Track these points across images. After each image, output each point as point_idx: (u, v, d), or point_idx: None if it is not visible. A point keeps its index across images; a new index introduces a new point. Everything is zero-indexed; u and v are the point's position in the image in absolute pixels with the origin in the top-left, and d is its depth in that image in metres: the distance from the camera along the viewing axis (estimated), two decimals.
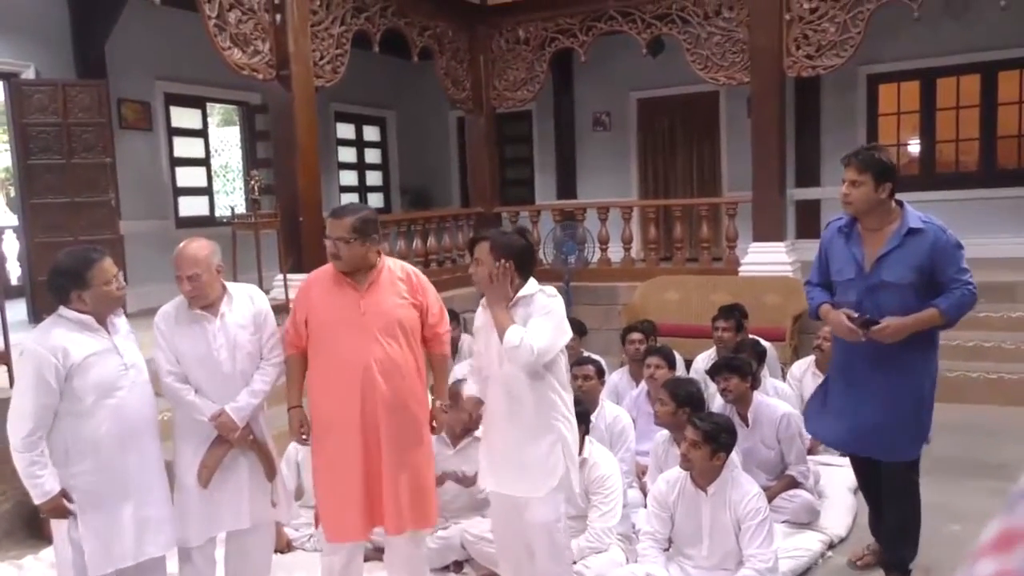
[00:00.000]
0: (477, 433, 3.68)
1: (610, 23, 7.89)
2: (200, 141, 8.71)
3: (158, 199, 8.03)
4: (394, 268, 3.07)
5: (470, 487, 3.65)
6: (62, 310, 2.76)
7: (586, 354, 4.72)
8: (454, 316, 4.92)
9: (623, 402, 4.81)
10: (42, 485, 2.66)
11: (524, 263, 2.82)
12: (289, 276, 6.26)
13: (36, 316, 6.24)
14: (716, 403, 4.18)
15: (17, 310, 6.25)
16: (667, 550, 3.38)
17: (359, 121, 11.03)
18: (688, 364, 5.40)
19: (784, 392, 4.81)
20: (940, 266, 3.05)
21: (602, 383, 4.49)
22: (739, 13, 7.29)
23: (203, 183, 8.76)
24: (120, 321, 2.90)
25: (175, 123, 8.30)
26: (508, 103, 8.70)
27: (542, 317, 2.74)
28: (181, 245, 2.98)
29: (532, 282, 2.85)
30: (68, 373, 2.67)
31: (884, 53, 8.49)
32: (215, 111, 10.89)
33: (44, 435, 2.68)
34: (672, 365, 4.63)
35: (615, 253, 8.18)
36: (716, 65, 7.47)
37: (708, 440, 3.13)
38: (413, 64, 8.22)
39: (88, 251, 2.85)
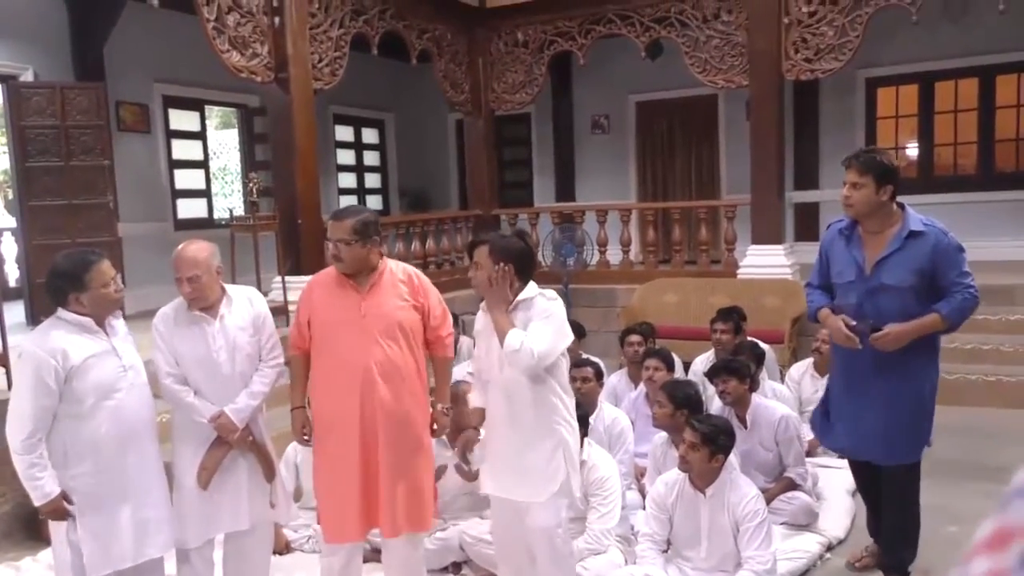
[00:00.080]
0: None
1: (609, 26, 7.91)
2: (198, 143, 8.71)
3: (156, 201, 8.03)
4: (396, 270, 3.07)
5: (472, 481, 3.63)
6: (61, 312, 2.76)
7: (585, 356, 4.72)
8: (453, 318, 4.91)
9: (622, 404, 4.81)
10: (42, 487, 2.66)
11: (524, 266, 2.81)
12: (287, 278, 6.27)
13: (34, 318, 6.24)
14: (715, 405, 4.18)
15: (15, 312, 6.25)
16: (666, 552, 3.37)
17: (358, 123, 11.04)
18: (687, 366, 5.41)
19: (782, 394, 4.82)
20: (941, 269, 3.03)
21: (601, 385, 4.49)
22: (738, 16, 7.30)
23: (201, 185, 8.76)
24: (118, 323, 2.90)
25: (173, 125, 8.30)
26: (507, 106, 8.71)
27: (542, 321, 2.73)
28: (180, 247, 2.98)
29: (532, 285, 2.83)
30: (67, 375, 2.67)
31: (882, 57, 8.50)
32: (213, 113, 10.88)
33: (43, 437, 2.67)
34: (671, 367, 4.63)
35: (614, 255, 8.18)
36: (715, 68, 7.48)
37: (706, 442, 3.13)
38: (412, 67, 8.22)
39: (86, 253, 2.85)
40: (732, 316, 5.18)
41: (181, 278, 2.90)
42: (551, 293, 2.85)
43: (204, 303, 2.96)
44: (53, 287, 2.77)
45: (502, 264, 2.74)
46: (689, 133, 10.13)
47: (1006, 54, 8.24)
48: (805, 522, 3.86)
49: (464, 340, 5.64)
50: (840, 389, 3.31)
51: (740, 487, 3.22)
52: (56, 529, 2.75)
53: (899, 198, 3.15)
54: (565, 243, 7.55)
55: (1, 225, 8.92)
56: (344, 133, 10.84)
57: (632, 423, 4.39)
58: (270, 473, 3.09)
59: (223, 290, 3.03)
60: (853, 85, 9.01)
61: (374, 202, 11.11)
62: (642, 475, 4.18)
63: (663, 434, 3.92)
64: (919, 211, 3.19)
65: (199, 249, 2.96)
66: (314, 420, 3.04)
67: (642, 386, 4.75)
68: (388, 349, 2.94)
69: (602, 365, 4.64)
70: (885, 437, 3.12)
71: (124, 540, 2.77)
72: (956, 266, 3.04)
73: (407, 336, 2.99)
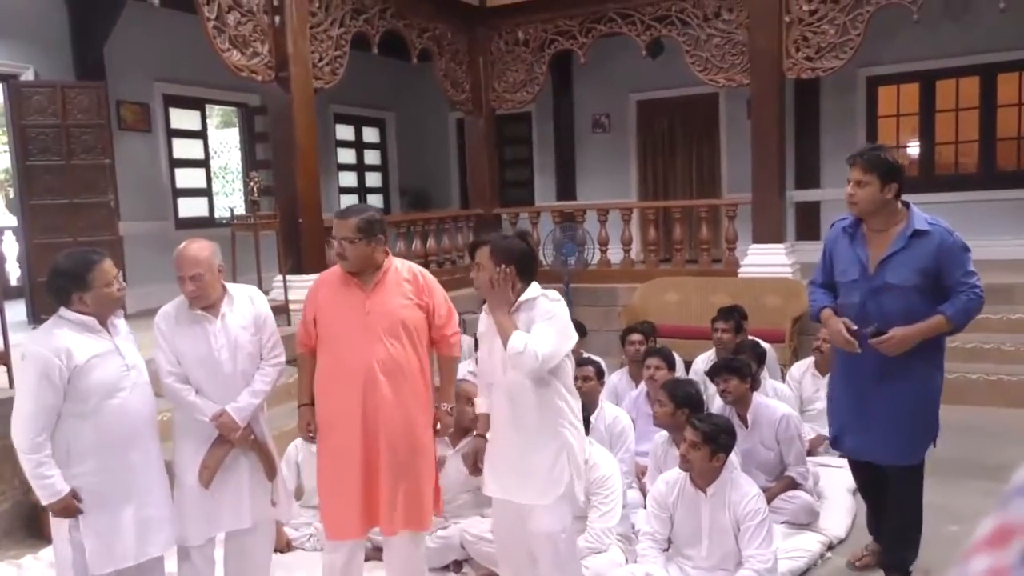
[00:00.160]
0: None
1: (610, 25, 7.90)
2: (199, 142, 8.71)
3: (157, 200, 8.03)
4: (401, 269, 3.06)
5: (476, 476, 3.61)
6: (63, 311, 2.76)
7: (586, 355, 4.72)
8: None
9: (622, 403, 4.81)
10: (52, 485, 2.66)
11: (526, 267, 2.78)
12: (288, 277, 6.27)
13: (35, 317, 6.25)
14: (715, 404, 4.18)
15: (16, 311, 6.25)
16: (666, 550, 3.37)
17: (358, 123, 11.04)
18: (688, 365, 5.41)
19: (783, 393, 4.81)
20: (946, 269, 3.00)
21: (601, 384, 4.50)
22: (739, 15, 7.30)
23: (202, 184, 8.77)
24: (120, 322, 2.91)
25: (174, 124, 8.30)
26: (507, 105, 8.71)
27: (546, 322, 2.69)
28: (182, 246, 2.98)
29: (534, 286, 2.80)
30: (71, 375, 2.67)
31: (883, 55, 8.50)
32: (214, 112, 10.89)
33: (50, 436, 2.68)
34: (671, 366, 4.63)
35: (615, 254, 8.18)
36: (716, 67, 7.47)
37: (707, 441, 3.13)
38: (412, 66, 8.22)
39: (88, 253, 2.85)
40: (733, 315, 5.18)
41: (183, 277, 2.90)
42: (554, 294, 2.82)
43: (206, 302, 2.96)
44: (55, 287, 2.77)
45: (503, 266, 2.72)
46: (690, 132, 10.13)
47: (1007, 52, 8.23)
48: (806, 521, 3.86)
49: (465, 339, 5.63)
50: (842, 390, 3.29)
51: (741, 486, 3.22)
52: (58, 527, 2.75)
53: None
54: (566, 242, 7.55)
55: (2, 224, 8.94)
56: (345, 132, 10.84)
57: (633, 422, 4.39)
58: (271, 471, 3.10)
59: (224, 289, 3.03)
60: (854, 83, 9.00)
61: (375, 201, 11.10)
62: (643, 474, 4.18)
63: (664, 433, 3.92)
64: (921, 210, 3.16)
65: (201, 248, 2.96)
66: (318, 417, 3.05)
67: (643, 385, 4.75)
68: (391, 348, 2.94)
69: (603, 364, 4.65)
70: (888, 438, 3.10)
71: (126, 539, 2.77)
72: (961, 265, 3.00)
73: (411, 335, 2.99)
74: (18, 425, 2.68)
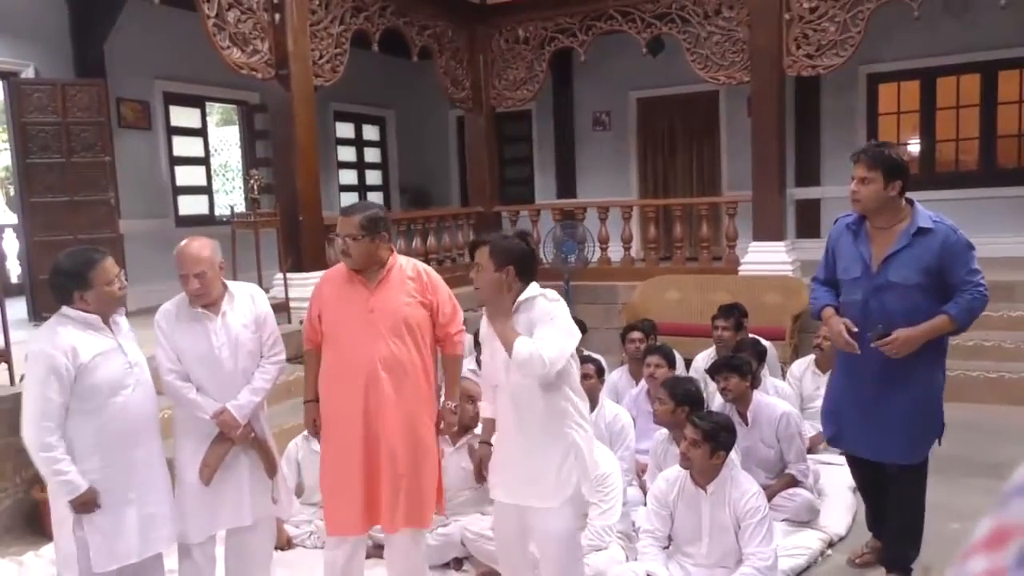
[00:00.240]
0: (477, 431, 3.68)
1: (610, 22, 7.89)
2: (199, 140, 8.70)
3: (157, 198, 8.03)
4: (405, 266, 3.06)
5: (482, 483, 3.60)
6: (65, 309, 2.76)
7: (586, 353, 4.72)
8: None
9: (623, 401, 4.82)
10: (71, 482, 2.66)
11: (525, 268, 2.74)
12: (289, 275, 6.27)
13: (36, 315, 6.25)
14: (716, 402, 4.18)
15: (17, 308, 6.25)
16: (667, 548, 3.38)
17: (358, 120, 11.03)
18: (688, 363, 5.41)
19: (784, 391, 4.81)
20: (950, 267, 2.97)
21: (602, 382, 4.49)
22: (739, 12, 7.29)
23: (202, 182, 8.76)
24: (122, 320, 2.91)
25: (174, 122, 8.30)
26: (508, 102, 8.70)
27: (547, 324, 2.65)
28: (183, 244, 2.97)
29: (533, 286, 2.77)
30: (77, 373, 2.67)
31: (884, 52, 8.49)
32: (214, 110, 10.89)
33: (62, 434, 2.67)
34: (672, 364, 4.63)
35: (615, 252, 8.18)
36: (716, 65, 7.47)
37: (707, 439, 3.13)
38: (412, 63, 8.21)
39: (89, 251, 2.85)
40: (733, 313, 5.18)
41: (188, 275, 2.90)
42: (552, 294, 2.78)
43: (208, 299, 2.96)
44: (57, 285, 2.77)
45: (501, 274, 2.69)
46: (690, 130, 10.12)
47: (1008, 50, 8.22)
48: (806, 519, 3.86)
49: (465, 336, 5.63)
50: (843, 389, 3.28)
51: (741, 484, 3.22)
52: (61, 525, 2.75)
53: None
54: (566, 240, 7.55)
55: (2, 221, 8.93)
56: (345, 130, 10.83)
57: (633, 420, 4.39)
58: (272, 469, 3.10)
59: (225, 287, 3.03)
60: (854, 81, 8.99)
61: (375, 199, 11.09)
62: (643, 472, 4.19)
63: (664, 431, 3.92)
64: (924, 207, 3.13)
65: (202, 246, 2.96)
66: (321, 413, 3.06)
67: (643, 383, 4.75)
68: (393, 346, 2.94)
69: (603, 362, 4.65)
70: (892, 438, 3.08)
71: (130, 536, 2.78)
72: (965, 264, 2.98)
73: (413, 333, 2.99)
74: (29, 425, 2.68)
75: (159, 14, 6.88)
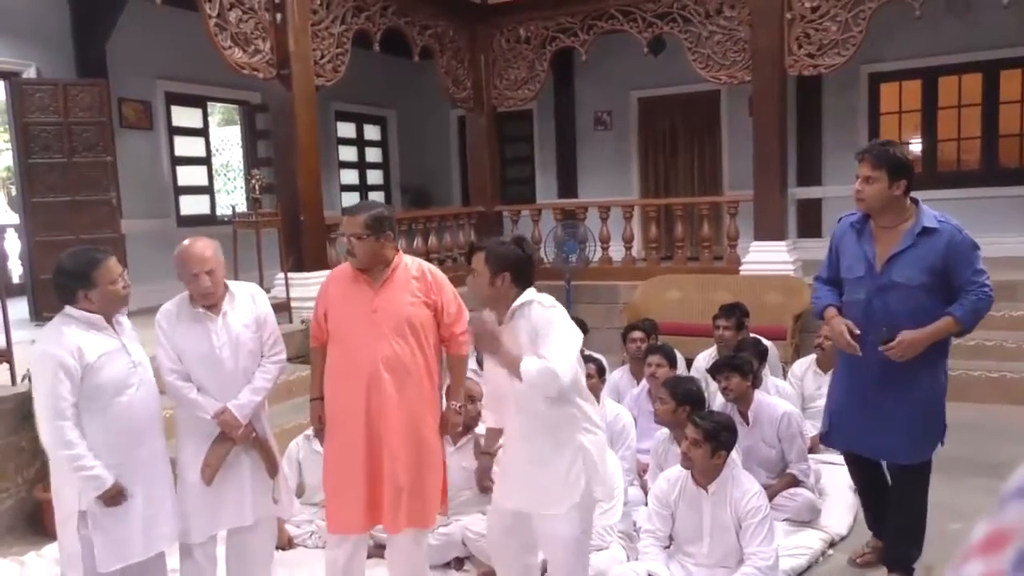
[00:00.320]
0: (478, 430, 3.68)
1: (611, 22, 7.89)
2: (201, 140, 8.71)
3: (159, 198, 8.04)
4: (410, 266, 3.06)
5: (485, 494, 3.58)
6: (69, 309, 2.76)
7: (587, 353, 4.72)
8: None
9: (624, 400, 4.82)
10: (97, 476, 2.67)
11: (521, 274, 2.72)
12: (290, 275, 6.27)
13: (37, 314, 6.25)
14: (717, 401, 4.18)
15: (19, 308, 6.25)
16: (668, 548, 3.37)
17: (360, 120, 11.03)
18: (689, 363, 5.40)
19: (785, 391, 4.81)
20: (955, 267, 2.95)
21: (603, 382, 4.50)
22: (740, 12, 7.29)
23: (204, 182, 8.77)
24: (124, 320, 2.92)
25: (176, 122, 8.30)
26: (509, 102, 8.70)
27: (549, 335, 2.59)
28: (187, 244, 2.96)
29: (530, 291, 2.74)
30: (84, 372, 2.68)
31: (886, 52, 8.48)
32: (216, 110, 10.89)
33: (81, 432, 2.67)
34: (673, 364, 4.62)
35: (616, 252, 8.18)
36: (717, 64, 7.46)
37: (708, 438, 3.13)
38: (414, 63, 8.22)
39: (92, 251, 2.85)
40: (734, 312, 5.18)
41: (199, 273, 2.89)
42: (548, 299, 2.73)
43: (215, 298, 2.97)
44: (61, 285, 2.77)
45: (496, 280, 2.66)
46: (691, 129, 10.12)
47: (1010, 49, 8.22)
48: (807, 518, 3.86)
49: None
50: (845, 390, 3.26)
51: (742, 483, 3.22)
52: (65, 524, 2.75)
53: None
54: (567, 240, 7.55)
55: (4, 221, 8.94)
56: (346, 130, 10.84)
57: (634, 419, 4.39)
58: (273, 469, 3.10)
59: (225, 287, 3.03)
60: (856, 81, 8.98)
61: (376, 199, 11.09)
62: (644, 471, 4.19)
63: (665, 430, 3.92)
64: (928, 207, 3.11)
65: (206, 245, 2.97)
66: (326, 412, 3.07)
67: (644, 383, 4.75)
68: (396, 346, 2.94)
69: (604, 361, 4.65)
70: (896, 439, 3.07)
71: (134, 534, 2.78)
72: (970, 264, 2.95)
73: (417, 333, 2.98)
74: (46, 426, 2.68)
75: (160, 14, 6.89)
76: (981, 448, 4.59)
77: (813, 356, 5.23)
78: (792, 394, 4.89)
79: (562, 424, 2.65)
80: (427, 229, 8.01)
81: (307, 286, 6.24)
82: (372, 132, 11.34)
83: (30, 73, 6.84)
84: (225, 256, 3.09)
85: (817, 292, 3.32)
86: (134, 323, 3.02)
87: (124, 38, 7.28)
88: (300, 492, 4.01)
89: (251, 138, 9.19)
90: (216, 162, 10.00)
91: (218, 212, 8.79)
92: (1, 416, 4.10)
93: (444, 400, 3.17)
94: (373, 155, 11.39)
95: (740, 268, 7.33)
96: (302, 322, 5.87)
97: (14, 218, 7.85)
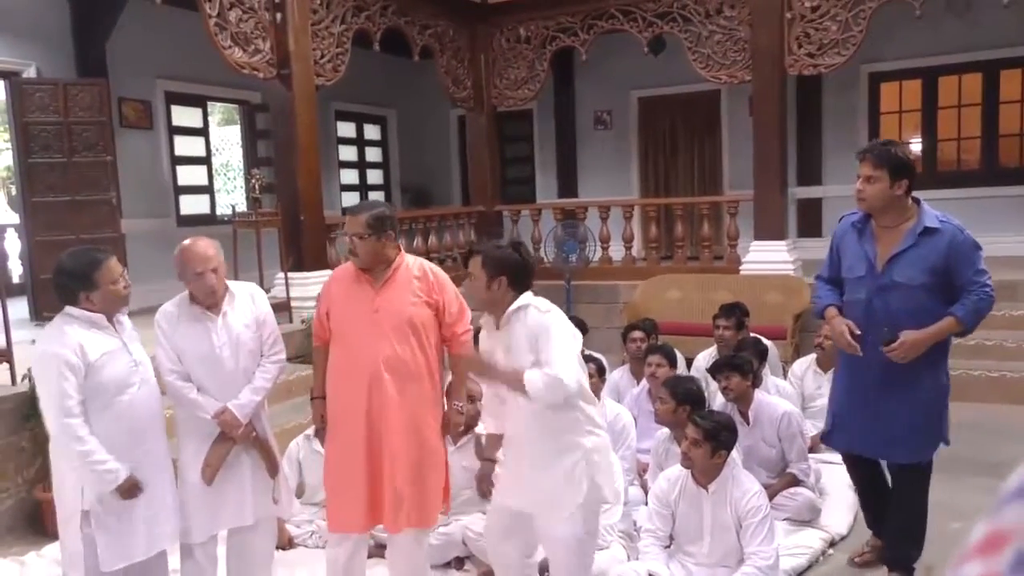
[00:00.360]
0: (478, 429, 3.68)
1: (611, 22, 7.89)
2: (201, 140, 8.71)
3: (159, 197, 8.04)
4: (412, 266, 3.06)
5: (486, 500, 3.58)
6: (69, 309, 2.76)
7: (587, 352, 4.72)
8: None
9: (624, 400, 4.82)
10: (111, 470, 2.68)
11: (518, 278, 2.71)
12: (290, 274, 6.27)
13: (37, 314, 6.25)
14: (717, 401, 4.18)
15: (19, 308, 6.25)
16: (668, 547, 3.37)
17: (360, 120, 11.03)
18: (689, 363, 5.40)
19: (785, 390, 4.81)
20: (957, 268, 2.94)
21: (603, 381, 4.50)
22: (740, 11, 7.28)
23: (204, 181, 8.77)
24: (125, 319, 2.92)
25: (176, 122, 8.30)
26: (509, 102, 8.70)
27: (548, 340, 2.58)
28: (189, 244, 2.95)
29: (527, 295, 2.73)
30: (86, 371, 2.68)
31: (886, 51, 8.48)
32: (216, 110, 10.89)
33: (91, 429, 2.67)
34: (673, 363, 4.62)
35: (616, 252, 8.18)
36: (717, 64, 7.46)
37: (709, 438, 3.13)
38: (414, 63, 8.21)
39: (93, 251, 2.85)
40: (734, 312, 5.18)
41: (204, 271, 2.89)
42: (544, 304, 2.71)
43: (218, 297, 2.97)
44: (61, 286, 2.77)
45: (494, 284, 2.65)
46: (692, 129, 10.12)
47: (1010, 48, 8.22)
48: (808, 518, 3.86)
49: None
50: (846, 390, 3.25)
51: (743, 483, 3.22)
52: (67, 523, 2.75)
53: None
54: (567, 239, 7.55)
55: (4, 221, 8.94)
56: (346, 129, 10.84)
57: (634, 419, 4.39)
58: (273, 468, 3.10)
59: (225, 286, 3.03)
60: (856, 80, 8.98)
61: (376, 198, 11.09)
62: (644, 471, 4.18)
63: (665, 430, 3.92)
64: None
65: (208, 244, 2.97)
66: (328, 411, 3.07)
67: (644, 382, 4.75)
68: (398, 346, 2.94)
69: (604, 361, 4.64)
70: (898, 438, 3.06)
71: (137, 533, 2.79)
72: (972, 264, 2.94)
73: (418, 333, 2.98)
74: (55, 425, 2.68)
75: (161, 14, 6.89)
76: (981, 447, 4.58)
77: (813, 356, 5.23)
78: (792, 394, 4.89)
79: (564, 427, 2.64)
80: (427, 229, 8.01)
81: (307, 286, 6.24)
82: (372, 132, 11.34)
83: (30, 73, 6.84)
84: (225, 256, 3.09)
85: (818, 291, 3.31)
86: (134, 323, 3.02)
87: (124, 38, 7.27)
88: (300, 492, 4.01)
89: (251, 138, 9.19)
90: (216, 162, 10.00)
91: (218, 212, 8.79)
92: (1, 416, 4.10)
93: (446, 400, 3.17)
94: (373, 155, 11.39)
95: (740, 268, 7.33)
96: (302, 322, 5.87)
97: (14, 218, 7.85)
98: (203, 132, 8.74)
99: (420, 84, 10.17)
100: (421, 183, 11.56)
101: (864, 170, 3.01)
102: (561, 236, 7.61)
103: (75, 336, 2.69)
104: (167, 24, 7.34)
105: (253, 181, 6.19)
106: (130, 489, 2.72)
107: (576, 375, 2.57)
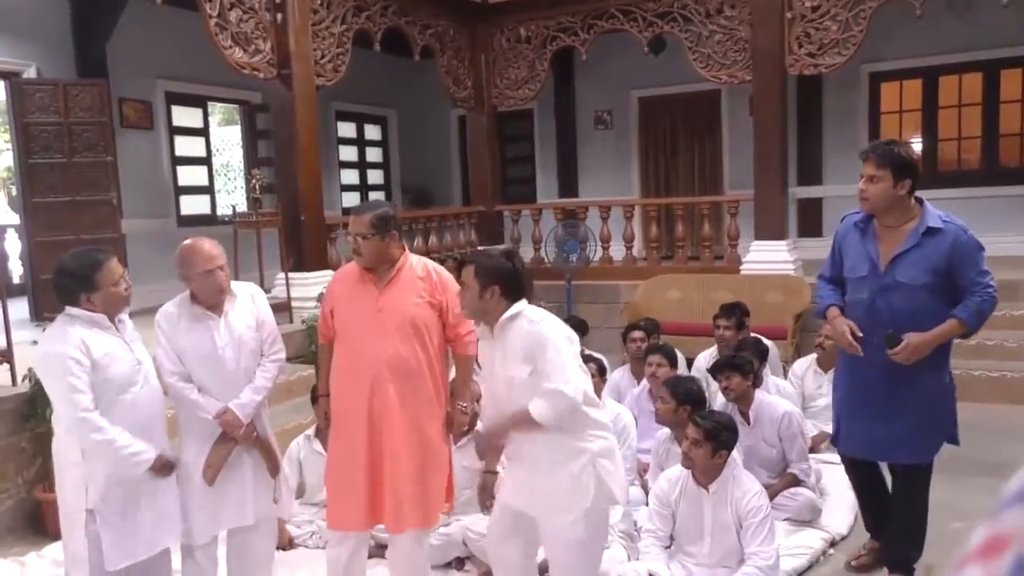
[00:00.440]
0: (478, 427, 3.67)
1: (611, 21, 7.89)
2: (201, 140, 8.71)
3: (159, 198, 8.04)
4: (416, 266, 3.06)
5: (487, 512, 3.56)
6: (71, 309, 2.76)
7: (587, 352, 4.72)
8: None
9: (624, 400, 4.82)
10: (140, 454, 2.71)
11: (511, 287, 2.68)
12: (290, 275, 6.27)
13: (38, 315, 6.25)
14: (718, 401, 4.18)
15: (19, 308, 6.25)
16: (669, 547, 3.37)
17: (360, 120, 11.03)
18: (690, 362, 5.40)
19: (786, 390, 4.81)
20: (960, 268, 2.93)
21: (603, 381, 4.50)
22: (741, 11, 7.28)
23: (204, 182, 8.77)
24: (126, 319, 2.92)
25: (176, 122, 8.31)
26: (509, 102, 8.70)
27: (542, 353, 2.55)
28: (192, 244, 2.95)
29: (520, 303, 2.69)
30: (91, 367, 2.68)
31: (886, 51, 8.48)
32: (216, 110, 10.89)
33: (108, 421, 2.67)
34: (673, 363, 4.62)
35: (617, 251, 8.18)
36: (718, 63, 7.46)
37: (709, 438, 3.13)
38: (414, 63, 8.22)
39: (94, 252, 2.85)
40: (735, 312, 5.17)
41: (213, 269, 2.90)
42: (537, 313, 2.68)
43: (226, 294, 2.97)
44: (62, 287, 2.76)
45: (486, 294, 2.65)
46: (692, 129, 10.12)
47: (1010, 48, 8.22)
48: (808, 518, 3.86)
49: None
50: (848, 390, 3.25)
51: (743, 483, 3.22)
52: (71, 523, 2.75)
53: None
54: (568, 239, 7.55)
55: (4, 222, 8.94)
56: (346, 129, 10.84)
57: (635, 419, 4.39)
58: (274, 468, 3.10)
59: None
60: (856, 80, 8.98)
61: (377, 198, 11.09)
62: (645, 471, 4.18)
63: (666, 430, 3.92)
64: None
65: (212, 243, 2.99)
66: (330, 410, 3.08)
67: (645, 382, 4.75)
68: (401, 346, 2.94)
69: (605, 361, 4.65)
70: (900, 439, 3.06)
71: (142, 532, 2.79)
72: (975, 265, 2.93)
73: (421, 334, 2.98)
74: (71, 423, 2.67)
75: (161, 14, 6.89)
76: (982, 448, 4.57)
77: (814, 355, 5.23)
78: (793, 394, 4.89)
79: (567, 432, 2.61)
80: (428, 229, 8.01)
81: (307, 286, 6.24)
82: (372, 132, 11.34)
83: (30, 73, 6.84)
84: (226, 256, 3.09)
85: (820, 291, 3.30)
86: (135, 323, 3.02)
87: (124, 38, 7.28)
88: (301, 492, 4.01)
89: (251, 138, 9.19)
90: (216, 162, 10.00)
91: (218, 212, 8.79)
92: (1, 416, 4.10)
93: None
94: (373, 155, 11.39)
95: (740, 268, 7.33)
96: (302, 322, 5.88)
97: (14, 218, 7.85)
98: (203, 132, 8.74)
99: (420, 84, 10.17)
100: (422, 183, 11.56)
101: (867, 170, 3.00)
102: (562, 236, 7.61)
103: (79, 335, 2.69)
104: (167, 24, 7.34)
105: (253, 181, 6.19)
106: (164, 467, 2.75)
107: (576, 382, 2.55)
